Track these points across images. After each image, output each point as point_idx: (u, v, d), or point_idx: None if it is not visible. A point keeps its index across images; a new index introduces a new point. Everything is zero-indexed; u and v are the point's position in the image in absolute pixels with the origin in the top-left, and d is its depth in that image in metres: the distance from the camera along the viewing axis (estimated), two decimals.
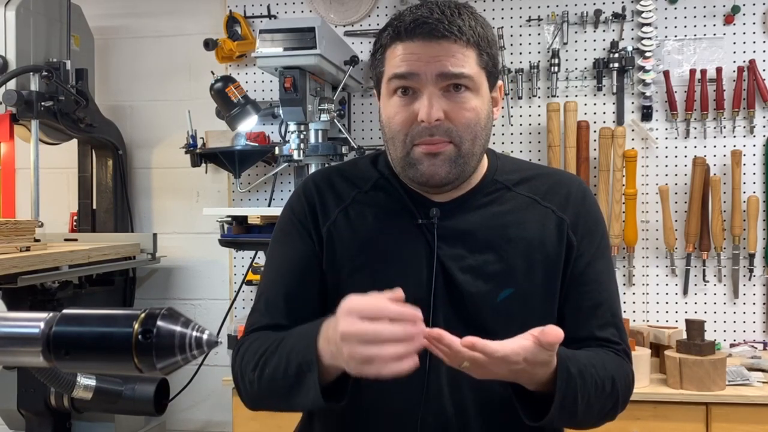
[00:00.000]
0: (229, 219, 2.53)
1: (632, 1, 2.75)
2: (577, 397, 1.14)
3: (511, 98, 2.82)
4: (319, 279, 1.30)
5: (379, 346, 1.00)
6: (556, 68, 2.76)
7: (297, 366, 1.13)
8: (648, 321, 2.73)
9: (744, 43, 2.70)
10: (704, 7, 2.73)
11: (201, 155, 2.75)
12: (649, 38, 2.73)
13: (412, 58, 1.20)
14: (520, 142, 2.83)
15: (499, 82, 1.31)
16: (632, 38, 2.76)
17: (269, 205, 2.89)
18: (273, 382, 1.19)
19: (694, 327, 2.27)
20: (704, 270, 2.70)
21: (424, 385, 1.23)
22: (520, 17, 2.82)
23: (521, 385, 1.14)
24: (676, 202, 2.72)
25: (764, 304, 2.69)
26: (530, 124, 2.82)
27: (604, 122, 2.77)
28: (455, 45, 1.20)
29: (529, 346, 1.06)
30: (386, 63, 1.25)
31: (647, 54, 2.72)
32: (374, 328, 1.00)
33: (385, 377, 1.01)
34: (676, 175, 2.73)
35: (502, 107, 2.71)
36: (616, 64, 2.72)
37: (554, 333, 1.04)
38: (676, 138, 2.73)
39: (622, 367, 1.26)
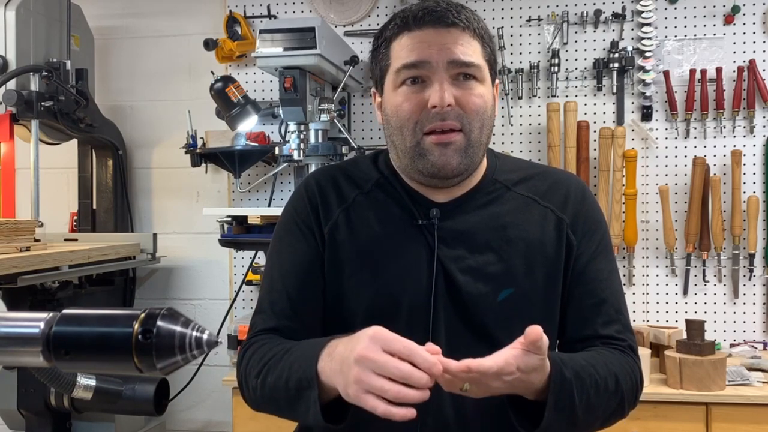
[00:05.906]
0: (229, 219, 2.53)
1: (632, 1, 2.75)
2: (575, 399, 1.12)
3: (511, 98, 2.82)
4: (323, 278, 1.30)
5: (389, 382, 0.99)
6: (556, 68, 2.76)
7: (297, 381, 1.13)
8: (648, 321, 2.73)
9: (744, 43, 2.70)
10: (704, 7, 2.73)
11: (201, 155, 2.75)
12: (649, 38, 2.73)
13: (422, 47, 1.21)
14: (520, 142, 2.83)
15: (497, 80, 1.32)
16: (632, 38, 2.76)
17: (269, 205, 2.88)
18: (274, 392, 1.18)
19: (694, 327, 2.27)
20: (704, 270, 2.70)
21: None
22: (520, 17, 2.82)
23: (517, 395, 1.12)
24: (676, 202, 2.72)
25: (764, 304, 2.69)
26: (530, 124, 2.82)
27: (604, 122, 2.76)
28: (464, 34, 1.22)
29: (518, 354, 1.05)
30: (392, 55, 1.25)
31: (647, 54, 2.72)
32: (396, 362, 0.99)
33: (377, 413, 0.99)
34: (676, 175, 2.73)
35: (502, 107, 2.78)
36: (616, 64, 2.72)
37: (535, 331, 1.03)
38: (676, 138, 2.73)
39: (626, 363, 1.24)
